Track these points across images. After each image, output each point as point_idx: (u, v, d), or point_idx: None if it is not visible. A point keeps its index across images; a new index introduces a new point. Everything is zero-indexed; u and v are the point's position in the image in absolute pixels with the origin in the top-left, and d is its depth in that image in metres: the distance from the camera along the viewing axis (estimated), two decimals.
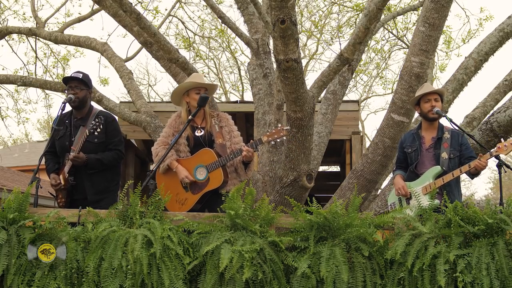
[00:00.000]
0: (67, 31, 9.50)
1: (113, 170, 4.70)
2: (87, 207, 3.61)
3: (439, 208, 3.74)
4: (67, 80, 4.64)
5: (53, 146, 4.71)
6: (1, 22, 10.93)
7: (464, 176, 4.47)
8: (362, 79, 20.08)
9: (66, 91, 4.66)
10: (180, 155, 4.36)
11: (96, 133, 4.37)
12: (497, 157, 4.12)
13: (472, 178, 4.44)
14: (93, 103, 4.98)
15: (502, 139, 4.30)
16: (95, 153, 4.53)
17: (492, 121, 5.81)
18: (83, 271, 3.30)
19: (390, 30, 11.94)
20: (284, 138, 4.14)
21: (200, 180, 4.22)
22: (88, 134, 4.39)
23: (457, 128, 4.48)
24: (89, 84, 4.68)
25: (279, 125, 4.20)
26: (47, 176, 4.69)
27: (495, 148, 4.13)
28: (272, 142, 4.14)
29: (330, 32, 15.94)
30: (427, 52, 5.42)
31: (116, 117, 6.00)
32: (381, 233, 3.42)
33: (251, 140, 4.23)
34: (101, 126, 4.36)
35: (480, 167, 4.16)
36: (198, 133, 4.39)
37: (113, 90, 54.23)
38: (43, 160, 4.52)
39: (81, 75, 4.62)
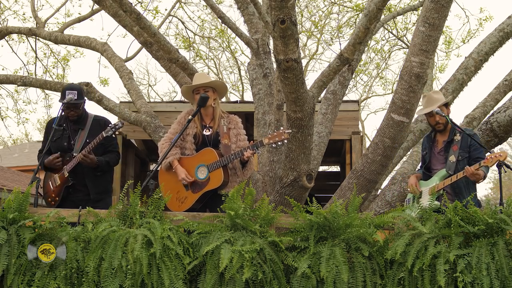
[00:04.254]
0: (67, 31, 9.50)
1: (111, 172, 4.89)
2: (87, 207, 3.62)
3: (439, 208, 3.76)
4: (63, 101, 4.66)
5: (49, 150, 4.75)
6: (1, 22, 10.94)
7: None
8: (362, 79, 20.13)
9: (62, 104, 4.66)
10: (186, 152, 4.39)
11: (114, 135, 4.52)
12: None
13: (474, 183, 4.46)
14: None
15: (490, 152, 4.35)
16: (95, 155, 4.62)
17: (492, 121, 5.81)
18: (83, 271, 3.30)
19: (390, 30, 11.95)
20: (285, 141, 4.15)
21: (201, 179, 4.23)
22: (104, 136, 4.47)
23: (457, 128, 4.50)
24: (83, 98, 4.76)
25: (281, 128, 4.21)
26: (43, 169, 4.73)
27: (484, 159, 4.16)
28: (273, 145, 4.14)
29: (330, 32, 15.95)
30: (427, 52, 5.41)
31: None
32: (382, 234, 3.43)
33: (252, 142, 4.25)
34: (116, 130, 4.51)
35: (471, 177, 4.19)
36: (206, 132, 4.42)
37: (113, 90, 54.21)
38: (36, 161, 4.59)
39: (76, 94, 4.62)
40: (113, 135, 4.51)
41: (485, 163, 4.11)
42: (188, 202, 4.26)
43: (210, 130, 4.43)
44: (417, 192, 4.56)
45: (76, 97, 4.64)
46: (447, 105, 4.66)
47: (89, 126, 4.71)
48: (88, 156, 4.52)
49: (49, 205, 4.66)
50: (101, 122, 4.78)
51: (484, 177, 4.30)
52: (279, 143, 4.12)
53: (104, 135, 4.46)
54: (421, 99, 4.77)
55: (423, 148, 4.80)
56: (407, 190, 4.71)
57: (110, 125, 4.51)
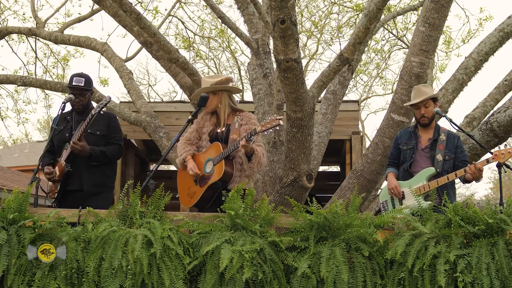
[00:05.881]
0: (67, 31, 9.51)
1: (111, 167, 4.73)
2: (86, 204, 3.61)
3: (437, 208, 3.75)
4: (70, 87, 4.67)
5: (52, 145, 4.73)
6: (1, 22, 10.94)
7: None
8: (362, 79, 20.10)
9: (69, 94, 4.67)
10: (202, 150, 4.47)
11: (102, 112, 4.39)
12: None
13: (464, 183, 4.43)
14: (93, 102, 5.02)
15: (499, 146, 4.28)
16: (98, 146, 4.56)
17: (492, 121, 5.81)
18: (83, 271, 3.30)
19: (390, 30, 11.96)
20: (278, 127, 4.18)
21: (207, 173, 4.32)
22: (89, 119, 4.39)
23: (457, 128, 4.48)
24: (91, 87, 4.73)
25: (274, 115, 4.25)
26: (43, 171, 4.70)
27: (492, 155, 4.11)
28: (266, 132, 4.17)
29: (330, 32, 15.94)
30: (427, 52, 5.42)
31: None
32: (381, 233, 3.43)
33: (247, 131, 4.30)
34: (104, 106, 4.40)
35: (473, 175, 4.14)
36: (219, 129, 4.49)
37: (113, 90, 54.20)
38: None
39: (83, 81, 4.63)
40: (101, 112, 4.39)
41: (494, 159, 4.06)
42: (196, 196, 4.35)
43: (223, 127, 4.49)
44: (400, 195, 4.45)
45: (82, 84, 4.61)
46: (435, 100, 4.57)
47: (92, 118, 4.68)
48: (78, 143, 4.40)
49: (50, 199, 4.62)
50: (104, 115, 4.73)
51: (481, 180, 4.27)
52: (271, 129, 4.15)
53: (93, 113, 4.38)
54: (412, 92, 4.70)
55: (403, 143, 4.60)
56: (390, 193, 4.53)
57: (98, 103, 4.43)
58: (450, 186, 4.41)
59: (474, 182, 4.31)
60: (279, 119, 4.14)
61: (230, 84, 4.59)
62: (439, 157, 4.41)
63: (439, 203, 3.63)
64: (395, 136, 4.83)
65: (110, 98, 4.51)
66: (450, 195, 4.33)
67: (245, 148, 4.17)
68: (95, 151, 4.51)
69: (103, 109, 4.36)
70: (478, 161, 4.18)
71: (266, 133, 4.18)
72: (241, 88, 5.07)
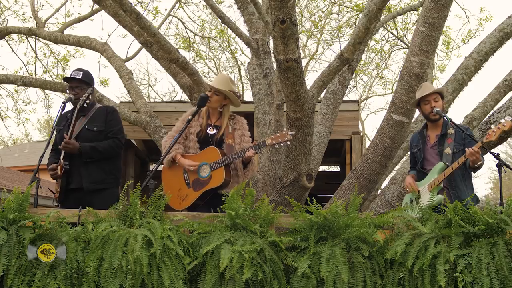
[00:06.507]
0: (67, 31, 9.52)
1: (111, 164, 4.60)
2: (85, 198, 3.60)
3: (438, 208, 3.75)
4: (68, 80, 4.65)
5: (56, 144, 4.73)
6: (1, 22, 10.94)
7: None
8: (362, 79, 20.08)
9: (67, 91, 4.67)
10: (190, 151, 4.39)
11: (85, 104, 4.44)
12: (496, 157, 4.11)
13: (473, 172, 4.43)
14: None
15: (492, 126, 4.27)
16: (96, 141, 4.50)
17: (492, 121, 5.81)
18: (83, 271, 3.30)
19: (390, 30, 11.95)
20: (288, 142, 4.14)
21: (203, 177, 4.25)
22: (76, 113, 4.41)
23: (455, 125, 4.48)
24: (90, 82, 4.66)
25: (285, 129, 4.19)
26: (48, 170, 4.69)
27: (486, 135, 4.10)
28: (276, 146, 4.14)
29: (330, 32, 15.94)
30: (427, 52, 5.41)
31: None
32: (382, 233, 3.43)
33: (255, 141, 4.26)
34: (89, 98, 4.44)
35: (470, 157, 4.11)
36: (211, 131, 4.42)
37: (113, 90, 54.27)
38: (44, 160, 4.51)
39: (81, 74, 4.60)
40: (87, 101, 4.42)
41: (487, 139, 4.03)
42: (189, 199, 4.28)
43: (215, 129, 4.43)
44: (416, 190, 4.47)
45: (80, 76, 4.57)
46: (442, 97, 4.58)
47: (90, 114, 4.61)
48: (69, 142, 4.38)
49: (53, 199, 4.61)
50: (102, 108, 4.67)
51: (482, 164, 4.24)
52: (281, 144, 4.11)
53: (78, 107, 4.40)
54: (417, 91, 4.71)
55: (413, 146, 4.67)
56: (406, 191, 4.60)
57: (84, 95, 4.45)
58: (461, 178, 4.39)
59: (479, 169, 4.29)
60: (291, 134, 4.10)
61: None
62: (447, 151, 4.40)
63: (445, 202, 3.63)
64: (409, 141, 4.87)
65: (70, 98, 4.48)
66: (460, 188, 4.33)
67: (248, 158, 4.15)
68: (85, 147, 4.43)
69: (85, 97, 4.40)
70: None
71: (276, 146, 4.14)
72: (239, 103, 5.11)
